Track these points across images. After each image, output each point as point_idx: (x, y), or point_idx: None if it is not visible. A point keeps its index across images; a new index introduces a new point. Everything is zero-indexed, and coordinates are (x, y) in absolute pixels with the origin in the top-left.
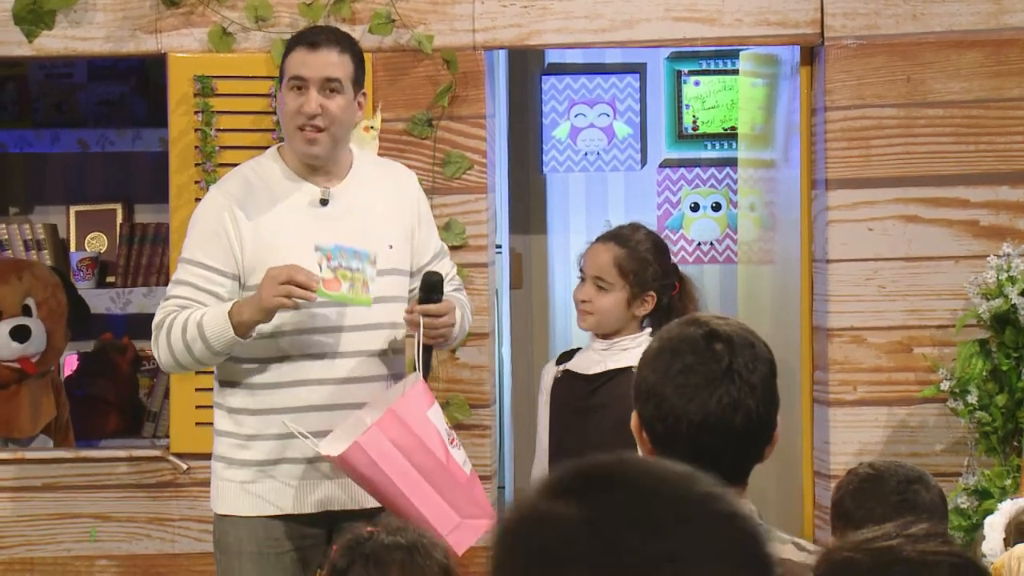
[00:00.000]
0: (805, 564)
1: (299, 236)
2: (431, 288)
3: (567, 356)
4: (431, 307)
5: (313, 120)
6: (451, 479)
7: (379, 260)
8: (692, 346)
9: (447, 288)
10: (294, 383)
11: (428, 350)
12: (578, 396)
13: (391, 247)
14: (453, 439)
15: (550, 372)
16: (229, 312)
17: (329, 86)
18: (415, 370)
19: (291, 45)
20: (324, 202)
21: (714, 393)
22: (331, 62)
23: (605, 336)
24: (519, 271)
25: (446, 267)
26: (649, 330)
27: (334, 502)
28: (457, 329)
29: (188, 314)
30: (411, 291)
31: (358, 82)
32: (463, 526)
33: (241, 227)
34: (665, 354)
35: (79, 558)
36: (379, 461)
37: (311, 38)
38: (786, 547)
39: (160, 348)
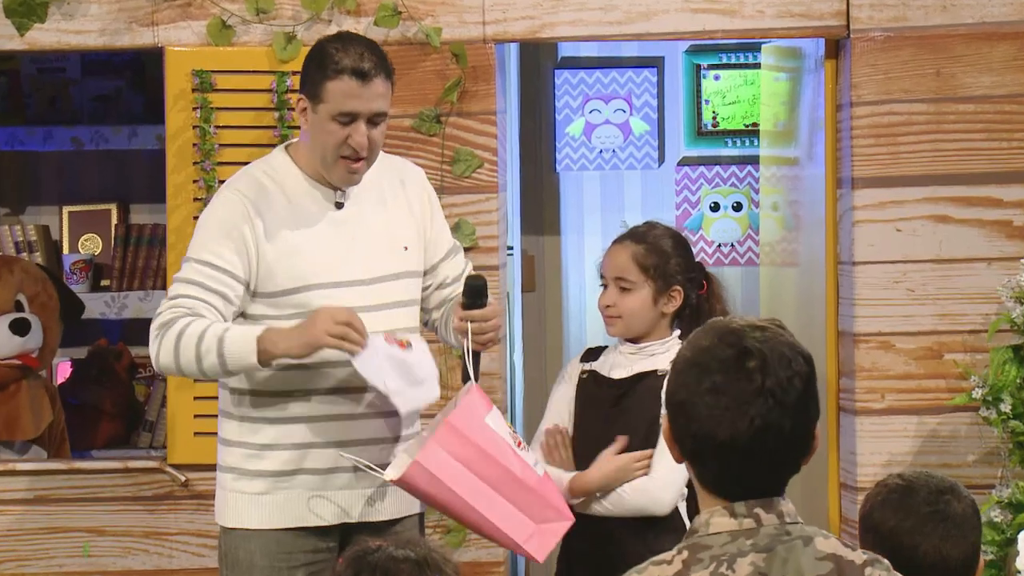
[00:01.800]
0: (853, 562)
1: (317, 242)
2: (476, 293)
3: (593, 354)
4: (476, 313)
5: (359, 152)
6: (520, 485)
7: (394, 263)
8: (722, 364)
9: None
10: (313, 391)
11: (477, 355)
12: (604, 400)
13: (406, 248)
14: (520, 442)
15: (575, 369)
16: (259, 337)
17: (376, 119)
18: (467, 379)
19: (332, 69)
20: (339, 205)
21: (745, 415)
22: (380, 93)
23: (635, 339)
24: (531, 274)
25: (460, 263)
26: (678, 332)
27: (351, 513)
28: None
29: (206, 324)
30: (425, 289)
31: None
32: (540, 531)
33: (257, 231)
34: (695, 369)
35: (72, 574)
36: (441, 477)
37: (360, 67)
38: (831, 541)
39: (163, 349)
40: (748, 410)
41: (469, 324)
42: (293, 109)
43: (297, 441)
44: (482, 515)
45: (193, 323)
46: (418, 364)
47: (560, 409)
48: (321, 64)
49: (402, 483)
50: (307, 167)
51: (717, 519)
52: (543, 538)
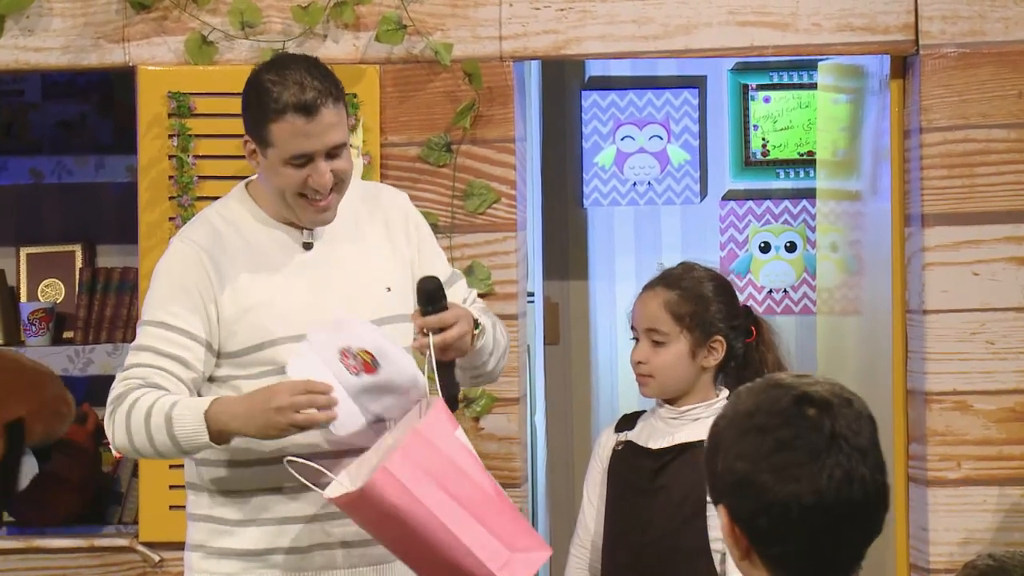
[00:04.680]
0: None
1: (283, 290)
2: (431, 296)
3: (629, 421)
4: (432, 320)
5: (323, 192)
6: (494, 506)
7: (375, 308)
8: (782, 417)
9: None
10: (292, 456)
11: (449, 368)
12: (641, 474)
13: (389, 290)
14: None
15: (608, 441)
16: (206, 413)
17: (335, 151)
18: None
19: (273, 109)
20: (308, 246)
21: (823, 467)
22: (332, 123)
23: (673, 400)
24: (555, 324)
25: (461, 291)
26: (726, 392)
27: None
28: (491, 340)
29: (156, 397)
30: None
31: (348, 115)
32: (514, 560)
33: (215, 284)
34: (750, 434)
35: None
36: (413, 489)
37: (303, 101)
38: None
39: (116, 428)
40: (825, 461)
41: (431, 336)
42: None
43: (273, 515)
44: (456, 537)
45: (143, 397)
46: (396, 373)
47: (594, 499)
48: (260, 103)
49: (363, 495)
50: (268, 206)
51: None
52: (517, 568)
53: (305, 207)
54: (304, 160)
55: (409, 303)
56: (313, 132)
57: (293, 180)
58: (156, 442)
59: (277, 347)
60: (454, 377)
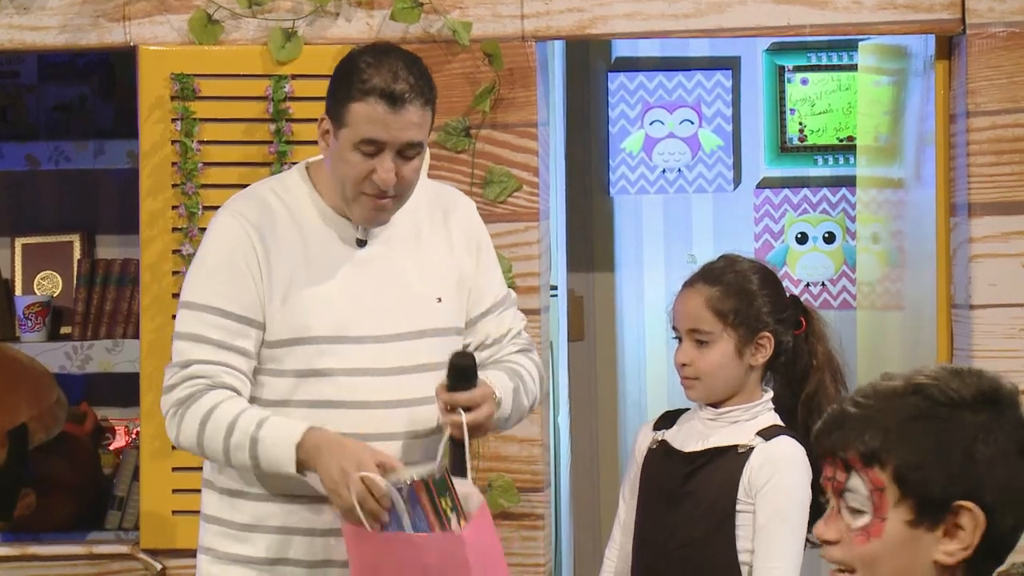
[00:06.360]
0: None
1: (328, 285)
2: (464, 374)
3: (668, 419)
4: (462, 398)
5: (385, 189)
6: None
7: (421, 318)
8: (1012, 396)
9: (510, 349)
10: None
11: (463, 449)
12: (671, 477)
13: (440, 300)
14: None
15: (645, 439)
16: (298, 445)
17: (408, 152)
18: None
19: (359, 89)
20: (361, 243)
21: None
22: (414, 123)
23: (719, 403)
24: (579, 319)
25: (507, 320)
26: (770, 395)
27: None
28: (508, 409)
29: (237, 409)
30: (465, 346)
31: (431, 123)
32: None
33: (262, 264)
34: (1003, 423)
35: None
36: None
37: (391, 89)
38: None
39: (185, 431)
40: None
41: (463, 413)
42: (292, 120)
43: (282, 524)
44: None
45: (220, 406)
46: None
47: (628, 499)
48: (347, 82)
49: (351, 533)
50: (327, 194)
51: None
52: None
53: (363, 203)
54: (374, 149)
55: (457, 317)
56: (392, 124)
57: (356, 169)
58: (232, 458)
59: (313, 346)
60: (465, 459)
